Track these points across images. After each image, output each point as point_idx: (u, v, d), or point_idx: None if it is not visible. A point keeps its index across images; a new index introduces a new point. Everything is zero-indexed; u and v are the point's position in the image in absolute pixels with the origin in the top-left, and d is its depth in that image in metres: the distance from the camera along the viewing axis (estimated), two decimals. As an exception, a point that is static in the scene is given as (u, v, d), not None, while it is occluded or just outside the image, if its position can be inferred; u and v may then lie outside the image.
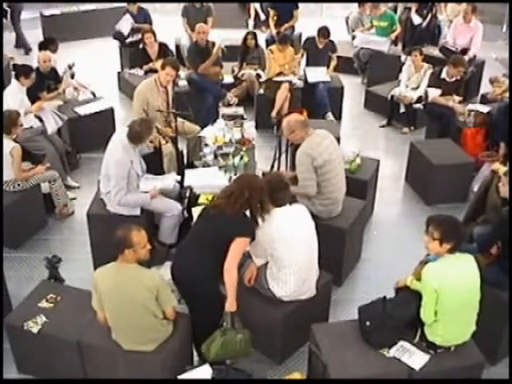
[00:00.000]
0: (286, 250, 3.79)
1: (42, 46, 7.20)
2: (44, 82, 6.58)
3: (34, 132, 5.89)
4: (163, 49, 7.89)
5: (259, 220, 3.83)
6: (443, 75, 6.84)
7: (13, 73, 6.37)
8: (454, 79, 6.81)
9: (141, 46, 8.37)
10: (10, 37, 10.69)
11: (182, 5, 8.99)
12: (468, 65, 7.93)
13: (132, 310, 3.45)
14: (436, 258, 3.68)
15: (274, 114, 7.24)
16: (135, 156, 4.74)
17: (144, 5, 9.03)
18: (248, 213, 3.80)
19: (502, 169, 4.65)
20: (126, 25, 8.68)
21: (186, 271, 3.73)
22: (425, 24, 9.37)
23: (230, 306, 3.60)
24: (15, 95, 5.91)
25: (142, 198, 4.77)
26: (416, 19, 9.41)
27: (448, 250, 3.45)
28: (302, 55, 7.91)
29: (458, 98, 6.85)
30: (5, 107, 5.67)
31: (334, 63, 7.94)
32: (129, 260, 3.46)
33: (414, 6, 9.64)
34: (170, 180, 5.05)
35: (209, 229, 3.72)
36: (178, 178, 5.17)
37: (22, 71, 6.01)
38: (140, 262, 3.54)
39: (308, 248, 3.94)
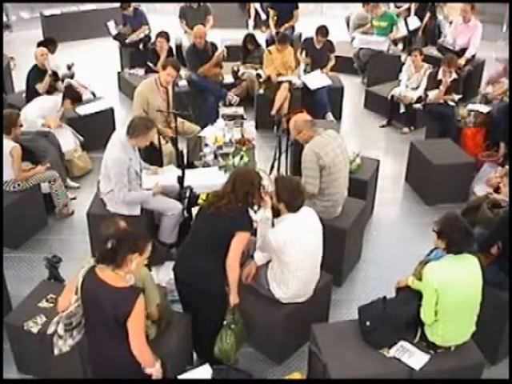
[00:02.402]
0: (296, 256, 3.78)
1: (41, 45, 7.21)
2: (41, 77, 6.59)
3: (37, 133, 5.89)
4: (169, 52, 7.83)
5: (257, 217, 3.85)
6: (440, 76, 6.84)
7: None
8: (451, 78, 6.80)
9: (141, 46, 8.39)
10: (9, 37, 10.73)
11: (180, 5, 8.98)
12: (466, 64, 7.96)
13: None
14: (437, 258, 3.70)
15: (273, 112, 7.23)
16: (134, 155, 4.74)
17: (144, 5, 9.02)
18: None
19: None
20: (112, 27, 8.77)
21: (191, 271, 3.73)
22: (423, 25, 9.40)
23: (234, 300, 3.70)
24: (44, 108, 6.01)
25: (145, 195, 4.80)
26: (413, 22, 9.42)
27: (446, 247, 3.47)
28: (307, 65, 7.86)
29: (457, 96, 6.85)
30: (31, 109, 5.89)
31: (331, 63, 7.93)
32: None
33: (413, 7, 9.67)
34: (171, 176, 5.06)
35: (208, 227, 3.73)
36: (179, 171, 5.18)
37: (72, 95, 6.16)
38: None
39: (315, 253, 3.94)
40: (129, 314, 2.97)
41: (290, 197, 3.80)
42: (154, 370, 3.20)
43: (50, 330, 3.20)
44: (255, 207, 3.87)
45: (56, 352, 3.23)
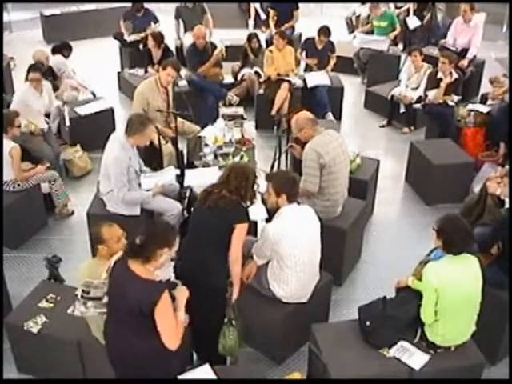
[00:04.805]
0: (293, 249, 3.79)
1: (56, 50, 7.26)
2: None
3: (30, 132, 5.89)
4: (166, 53, 7.77)
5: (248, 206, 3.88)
6: (440, 75, 6.84)
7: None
8: (452, 79, 6.79)
9: (141, 46, 8.38)
10: (9, 37, 10.74)
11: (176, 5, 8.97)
12: (468, 65, 7.97)
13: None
14: (437, 258, 3.69)
15: (273, 112, 7.23)
16: (133, 154, 4.74)
17: (147, 5, 8.99)
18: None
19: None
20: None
21: (194, 266, 3.74)
22: (424, 24, 9.41)
23: (236, 294, 3.75)
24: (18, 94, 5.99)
25: (146, 195, 4.79)
26: (412, 22, 9.44)
27: (443, 246, 3.47)
28: (315, 65, 7.84)
29: (456, 97, 6.85)
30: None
31: (333, 62, 7.92)
32: (104, 256, 3.55)
33: (411, 7, 9.69)
34: (170, 175, 5.06)
35: (207, 222, 3.75)
36: (177, 171, 5.18)
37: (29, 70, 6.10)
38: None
39: (313, 250, 3.95)
40: (154, 305, 2.98)
41: (289, 185, 3.85)
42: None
43: (77, 291, 3.37)
44: (248, 202, 3.86)
45: (69, 311, 3.43)
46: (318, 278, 4.08)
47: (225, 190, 3.73)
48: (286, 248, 3.79)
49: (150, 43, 7.64)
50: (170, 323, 3.03)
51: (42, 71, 6.21)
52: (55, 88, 6.92)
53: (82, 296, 3.23)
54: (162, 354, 3.10)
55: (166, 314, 3.01)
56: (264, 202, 4.46)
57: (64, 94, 6.99)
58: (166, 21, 9.29)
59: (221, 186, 3.78)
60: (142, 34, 8.49)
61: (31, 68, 6.16)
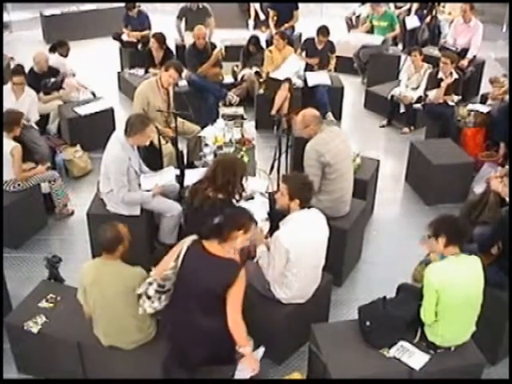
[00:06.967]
0: (301, 255, 3.75)
1: (52, 49, 7.26)
2: (39, 83, 6.60)
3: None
4: (168, 54, 7.78)
5: (238, 203, 3.82)
6: (440, 75, 6.84)
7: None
8: (452, 79, 6.79)
9: (139, 46, 8.39)
10: (9, 37, 10.74)
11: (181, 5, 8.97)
12: (468, 65, 7.98)
13: (111, 305, 3.49)
14: (439, 258, 3.69)
15: (273, 112, 7.23)
16: (133, 154, 4.73)
17: (144, 5, 9.01)
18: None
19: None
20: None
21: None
22: (424, 25, 9.41)
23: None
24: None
25: (145, 195, 4.79)
26: (411, 22, 9.44)
27: (446, 243, 3.45)
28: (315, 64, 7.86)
29: (456, 97, 6.85)
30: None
31: (333, 62, 7.92)
32: (118, 256, 3.53)
33: (413, 7, 9.69)
34: (170, 175, 5.06)
35: (199, 223, 3.63)
36: (177, 171, 5.17)
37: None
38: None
39: (319, 256, 3.93)
40: (232, 284, 3.14)
41: (304, 192, 3.81)
42: (248, 349, 3.32)
43: (140, 290, 3.34)
44: (236, 197, 3.82)
45: (140, 312, 3.37)
46: (319, 281, 4.07)
47: (210, 188, 3.66)
48: (295, 253, 3.73)
49: (153, 45, 7.63)
50: (240, 299, 3.20)
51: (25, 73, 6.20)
52: (56, 88, 6.93)
53: (157, 291, 3.27)
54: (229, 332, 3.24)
55: (239, 291, 3.18)
56: (272, 201, 4.42)
57: (64, 93, 6.99)
58: (163, 21, 9.32)
59: (207, 182, 3.70)
60: (137, 35, 8.50)
61: (14, 71, 6.13)
